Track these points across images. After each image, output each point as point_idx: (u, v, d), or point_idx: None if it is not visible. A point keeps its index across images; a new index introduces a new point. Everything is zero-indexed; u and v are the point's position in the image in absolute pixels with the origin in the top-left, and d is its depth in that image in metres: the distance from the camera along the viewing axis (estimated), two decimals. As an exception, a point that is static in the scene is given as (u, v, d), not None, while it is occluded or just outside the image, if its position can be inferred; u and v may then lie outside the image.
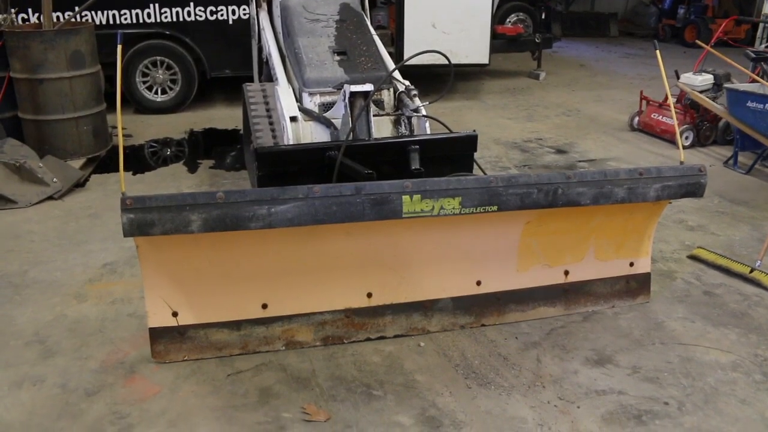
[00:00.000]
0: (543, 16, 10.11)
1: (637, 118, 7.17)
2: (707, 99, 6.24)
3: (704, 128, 6.61)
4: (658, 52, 3.55)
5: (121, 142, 2.81)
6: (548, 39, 10.10)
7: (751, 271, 3.98)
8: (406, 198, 2.78)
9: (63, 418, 2.73)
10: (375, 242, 3.11)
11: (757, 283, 3.92)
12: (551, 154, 6.35)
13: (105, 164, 5.81)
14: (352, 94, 3.88)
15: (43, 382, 2.94)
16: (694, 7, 13.93)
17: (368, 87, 3.91)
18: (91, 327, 3.37)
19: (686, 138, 6.57)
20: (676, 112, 6.66)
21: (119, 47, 2.84)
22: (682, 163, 3.34)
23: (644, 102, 7.13)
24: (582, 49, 13.45)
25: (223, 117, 7.50)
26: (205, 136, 6.90)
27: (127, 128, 6.83)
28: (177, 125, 7.17)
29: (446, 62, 4.08)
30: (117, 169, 5.61)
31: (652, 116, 6.97)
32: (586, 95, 9.05)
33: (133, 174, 5.64)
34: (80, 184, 5.29)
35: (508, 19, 10.39)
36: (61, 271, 3.93)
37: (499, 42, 9.41)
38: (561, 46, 13.10)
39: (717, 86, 6.42)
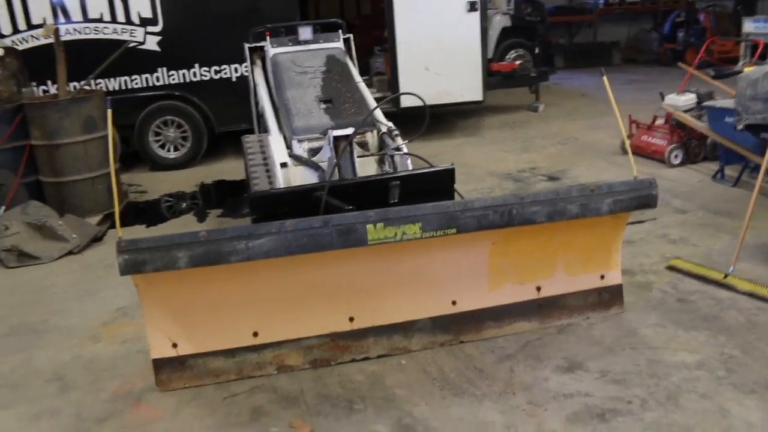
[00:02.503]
0: (537, 51, 10.46)
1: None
2: (690, 117, 6.47)
3: (693, 146, 6.81)
4: (605, 78, 3.78)
5: (116, 196, 3.21)
6: (544, 72, 10.42)
7: (725, 277, 4.14)
8: (370, 227, 3.08)
9: (76, 443, 3.05)
10: (352, 270, 3.39)
11: (730, 288, 4.06)
12: (543, 182, 6.59)
13: (121, 219, 6.16)
14: (336, 138, 4.21)
15: (60, 413, 3.26)
16: (693, 30, 14.22)
17: (350, 131, 4.24)
18: (104, 364, 3.69)
19: (675, 156, 6.78)
20: (664, 132, 6.93)
21: (109, 111, 3.24)
22: (635, 177, 3.58)
23: (634, 125, 7.38)
24: (584, 79, 13.72)
25: (233, 169, 7.87)
26: (216, 188, 7.30)
27: (143, 185, 7.30)
28: (189, 179, 7.59)
29: (436, 103, 4.41)
30: (133, 223, 6.01)
31: (642, 138, 7.20)
32: (584, 124, 9.27)
33: (147, 227, 6.01)
34: (98, 239, 5.67)
35: (507, 56, 10.79)
36: (78, 317, 4.29)
37: (496, 79, 9.76)
38: (564, 77, 13.38)
39: (700, 105, 6.64)
